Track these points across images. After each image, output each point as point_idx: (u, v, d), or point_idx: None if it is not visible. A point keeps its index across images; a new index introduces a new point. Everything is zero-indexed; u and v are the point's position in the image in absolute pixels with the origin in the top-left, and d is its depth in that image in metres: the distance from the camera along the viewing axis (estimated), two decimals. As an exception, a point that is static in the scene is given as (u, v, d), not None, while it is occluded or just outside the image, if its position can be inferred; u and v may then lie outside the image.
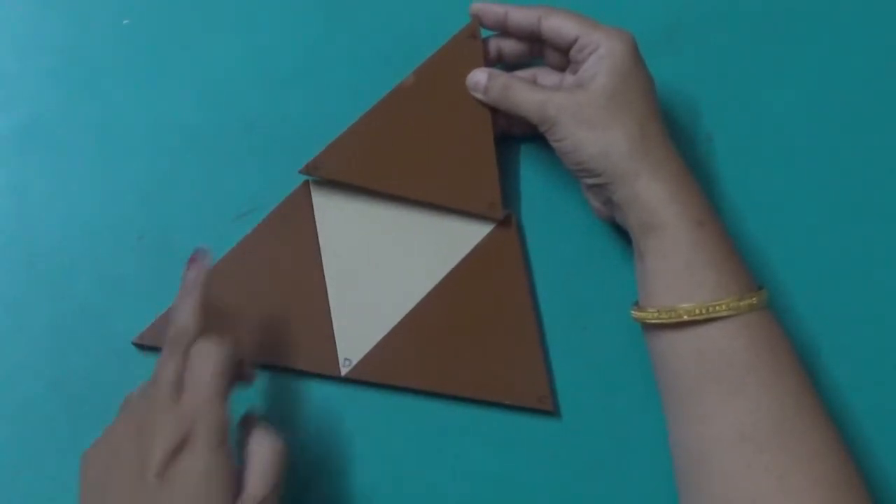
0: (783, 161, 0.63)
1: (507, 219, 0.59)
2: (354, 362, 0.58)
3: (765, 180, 0.62)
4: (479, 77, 0.58)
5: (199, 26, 0.64)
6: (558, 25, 0.56)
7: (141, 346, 0.58)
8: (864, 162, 0.63)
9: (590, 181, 0.55)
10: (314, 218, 0.59)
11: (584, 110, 0.53)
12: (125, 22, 0.64)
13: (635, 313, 0.53)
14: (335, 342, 0.58)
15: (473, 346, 0.58)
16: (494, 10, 0.58)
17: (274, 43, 0.64)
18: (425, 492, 0.57)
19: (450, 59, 0.59)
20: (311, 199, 0.59)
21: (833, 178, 0.62)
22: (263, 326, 0.58)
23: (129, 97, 0.62)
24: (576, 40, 0.55)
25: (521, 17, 0.57)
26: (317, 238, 0.59)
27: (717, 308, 0.50)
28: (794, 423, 0.48)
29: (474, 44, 0.60)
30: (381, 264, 0.59)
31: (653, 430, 0.56)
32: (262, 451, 0.47)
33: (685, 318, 0.50)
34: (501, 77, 0.57)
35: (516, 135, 0.61)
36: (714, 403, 0.50)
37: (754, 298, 0.50)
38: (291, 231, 0.59)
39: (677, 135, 0.63)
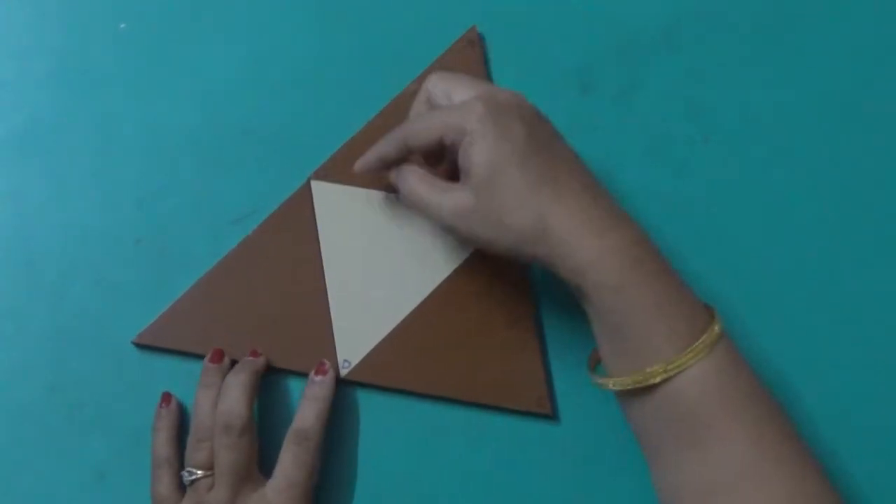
0: (779, 163, 0.63)
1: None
2: (353, 364, 0.58)
3: (761, 182, 0.62)
4: (392, 177, 0.55)
5: (196, 30, 0.64)
6: (421, 139, 0.52)
7: (140, 346, 0.58)
8: (862, 163, 0.63)
9: (520, 260, 0.53)
10: (315, 220, 0.59)
11: (475, 211, 0.50)
12: (122, 26, 0.64)
13: (593, 378, 0.52)
14: (334, 344, 0.58)
15: (473, 348, 0.58)
16: (370, 160, 0.55)
17: (271, 47, 0.64)
18: (423, 494, 0.58)
19: (450, 66, 0.60)
20: (312, 201, 0.60)
21: (830, 179, 0.62)
22: (263, 327, 0.58)
23: (126, 102, 0.62)
24: (442, 139, 0.51)
25: (390, 149, 0.54)
26: (318, 240, 0.59)
27: (651, 374, 0.48)
28: (757, 470, 0.47)
29: (473, 50, 0.60)
30: (381, 267, 0.59)
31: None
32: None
33: (615, 388, 0.50)
34: (407, 176, 0.54)
35: None
36: (677, 458, 0.49)
37: (699, 345, 0.48)
38: (292, 232, 0.59)
39: (672, 136, 0.63)
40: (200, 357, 0.57)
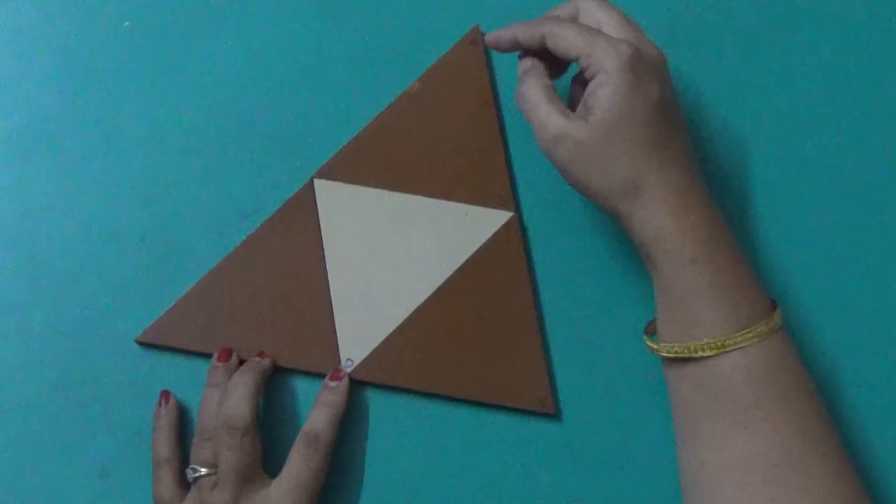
0: (786, 161, 0.63)
1: (511, 220, 0.59)
2: (356, 363, 0.58)
3: (768, 181, 0.62)
4: (523, 65, 0.56)
5: (200, 28, 0.64)
6: (559, 46, 0.53)
7: (144, 345, 0.58)
8: (871, 161, 0.62)
9: (600, 207, 0.54)
10: (318, 218, 0.59)
11: (583, 147, 0.51)
12: (126, 24, 0.64)
13: (645, 339, 0.54)
14: (337, 342, 0.58)
15: (475, 347, 0.58)
16: (504, 37, 0.56)
17: (275, 45, 0.64)
18: (425, 493, 0.58)
19: (453, 65, 0.60)
20: (315, 199, 0.60)
21: (838, 177, 0.62)
22: (266, 326, 0.58)
23: (130, 99, 0.62)
24: (578, 59, 0.52)
25: (527, 37, 0.55)
26: (320, 238, 0.59)
27: (709, 345, 0.49)
28: (800, 458, 0.48)
29: (476, 49, 0.61)
30: (384, 265, 0.59)
31: (654, 432, 0.56)
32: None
33: (666, 354, 0.51)
34: (526, 65, 0.55)
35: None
36: (717, 435, 0.50)
37: (757, 329, 0.50)
38: (295, 231, 0.59)
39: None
40: (204, 355, 0.57)
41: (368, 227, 0.60)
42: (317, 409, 0.56)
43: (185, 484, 0.55)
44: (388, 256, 0.59)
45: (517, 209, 0.60)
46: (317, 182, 0.60)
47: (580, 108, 0.53)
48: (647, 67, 0.52)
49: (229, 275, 0.58)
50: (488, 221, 0.60)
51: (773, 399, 0.49)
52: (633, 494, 0.57)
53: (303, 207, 0.60)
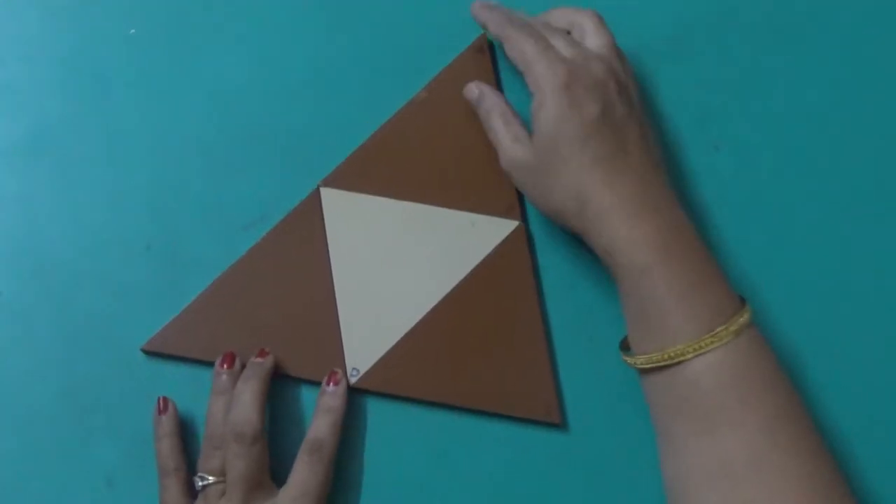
0: (791, 170, 0.63)
1: (517, 230, 0.59)
2: (362, 372, 0.58)
3: (772, 189, 0.62)
4: (472, 92, 0.59)
5: (206, 35, 0.64)
6: (510, 55, 0.56)
7: (149, 353, 0.58)
8: (873, 170, 0.63)
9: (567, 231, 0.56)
10: (325, 226, 0.59)
11: (533, 170, 0.54)
12: (132, 31, 0.64)
13: (622, 356, 0.54)
14: (343, 351, 0.58)
15: (481, 357, 0.58)
16: (480, 17, 0.60)
17: (282, 52, 0.64)
18: (430, 502, 0.57)
19: (460, 74, 0.60)
20: (321, 207, 0.60)
21: (841, 186, 0.62)
22: (272, 335, 0.58)
23: (136, 106, 0.62)
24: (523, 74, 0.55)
25: (495, 33, 0.58)
26: (327, 247, 0.59)
27: (671, 354, 0.49)
28: (772, 457, 0.48)
29: (483, 57, 0.61)
30: (390, 274, 0.59)
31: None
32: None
33: (636, 366, 0.52)
34: (487, 100, 0.58)
35: None
36: (687, 440, 0.50)
37: (718, 333, 0.49)
38: (301, 239, 0.59)
39: (683, 144, 0.63)
40: (210, 364, 0.57)
41: (375, 235, 0.59)
42: (318, 416, 0.56)
43: (192, 492, 0.54)
44: (395, 265, 0.59)
45: (524, 218, 0.60)
46: (323, 190, 0.60)
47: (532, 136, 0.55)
48: (586, 85, 0.53)
49: (235, 283, 0.58)
50: (494, 230, 0.59)
51: (741, 402, 0.49)
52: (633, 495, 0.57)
53: (309, 216, 0.59)
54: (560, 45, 0.55)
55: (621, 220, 0.51)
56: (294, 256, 0.59)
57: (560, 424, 0.58)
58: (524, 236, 0.60)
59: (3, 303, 0.59)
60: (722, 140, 0.63)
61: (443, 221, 0.60)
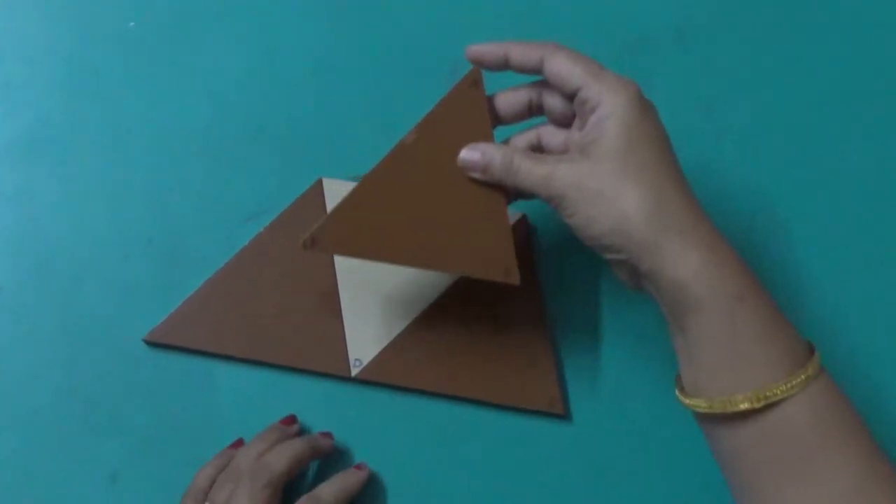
0: (793, 159, 0.62)
1: (519, 223, 0.59)
2: (364, 363, 0.58)
3: (775, 180, 0.62)
4: (472, 156, 0.51)
5: (205, 29, 0.64)
6: (561, 70, 0.49)
7: (151, 344, 0.58)
8: (878, 159, 0.62)
9: (609, 256, 0.49)
10: (326, 217, 0.59)
11: (590, 182, 0.47)
12: (131, 25, 0.64)
13: (683, 399, 0.48)
14: (346, 343, 0.58)
15: (484, 348, 0.58)
16: (494, 51, 0.51)
17: (282, 45, 0.63)
18: (434, 493, 0.57)
19: (452, 112, 0.53)
20: (323, 198, 0.59)
21: (845, 176, 0.62)
22: (274, 325, 0.58)
23: (136, 101, 0.62)
24: (577, 90, 0.49)
25: (522, 56, 0.50)
26: (328, 238, 0.59)
27: (774, 392, 0.45)
28: (871, 497, 0.45)
29: (476, 93, 0.53)
30: (393, 266, 0.59)
31: (664, 433, 0.56)
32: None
33: (741, 407, 0.45)
34: (499, 152, 0.50)
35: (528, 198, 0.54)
36: (782, 490, 0.46)
37: (809, 369, 0.45)
38: (304, 230, 0.59)
39: (687, 133, 0.63)
40: (212, 355, 0.57)
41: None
42: (332, 479, 0.55)
43: None
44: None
45: (526, 208, 0.60)
46: (325, 181, 0.60)
47: (579, 148, 0.49)
48: (652, 105, 0.50)
49: (238, 274, 0.58)
50: None
51: (835, 442, 0.46)
52: (642, 495, 0.57)
53: (311, 207, 0.59)
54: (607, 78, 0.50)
55: (708, 240, 0.46)
56: (296, 247, 0.59)
57: (564, 415, 0.58)
58: (525, 227, 0.59)
59: (5, 298, 0.59)
60: (725, 129, 0.63)
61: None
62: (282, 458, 0.53)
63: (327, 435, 0.57)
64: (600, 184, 0.47)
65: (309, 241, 0.51)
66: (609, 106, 0.48)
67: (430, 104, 0.62)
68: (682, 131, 0.62)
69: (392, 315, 0.58)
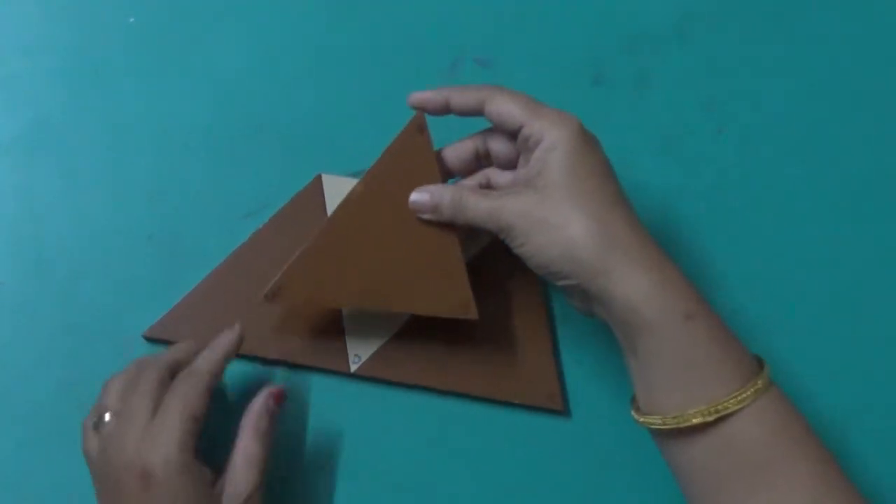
0: (793, 154, 0.63)
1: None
2: (364, 359, 0.58)
3: (774, 173, 0.62)
4: (421, 198, 0.53)
5: (206, 24, 0.64)
6: (501, 110, 0.51)
7: (151, 340, 0.58)
8: (877, 156, 0.62)
9: (560, 283, 0.50)
10: (326, 213, 0.59)
11: (537, 211, 0.49)
12: (131, 20, 0.64)
13: (638, 417, 0.50)
14: (345, 338, 0.58)
15: (483, 344, 0.58)
16: (435, 99, 0.53)
17: (282, 41, 0.64)
18: (432, 490, 0.57)
19: (399, 159, 0.54)
20: (323, 194, 0.59)
21: (845, 170, 0.62)
22: (273, 321, 0.58)
23: (136, 96, 0.62)
24: (520, 128, 0.51)
25: (463, 101, 0.53)
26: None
27: (725, 406, 0.46)
28: (829, 500, 0.46)
29: (422, 138, 0.55)
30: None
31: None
32: (247, 450, 0.50)
33: (694, 422, 0.47)
34: (448, 193, 0.53)
35: (484, 238, 0.58)
36: (745, 500, 0.47)
37: (759, 382, 0.47)
38: (303, 226, 0.59)
39: (687, 128, 0.63)
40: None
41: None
42: (205, 351, 0.53)
43: None
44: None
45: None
46: (324, 177, 0.60)
47: (524, 182, 0.51)
48: (592, 138, 0.51)
49: (238, 269, 0.58)
50: None
51: (791, 450, 0.47)
52: (641, 491, 0.57)
53: (310, 202, 0.59)
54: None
55: (653, 262, 0.48)
56: (295, 243, 0.58)
57: (563, 411, 0.58)
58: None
59: (6, 294, 0.59)
60: (725, 124, 0.63)
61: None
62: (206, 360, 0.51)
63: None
64: (547, 212, 0.49)
65: (270, 294, 0.53)
66: (551, 139, 0.50)
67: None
68: (682, 126, 0.63)
69: (391, 312, 0.58)
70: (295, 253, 0.53)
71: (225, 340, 0.53)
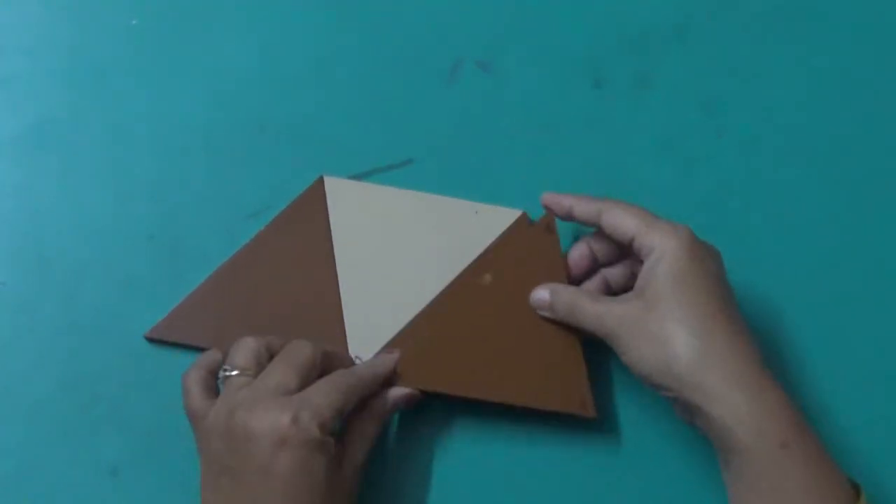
0: (793, 156, 0.63)
1: (546, 222, 0.58)
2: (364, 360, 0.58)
3: (774, 176, 0.62)
4: (542, 295, 0.55)
5: (208, 25, 0.64)
6: (616, 223, 0.53)
7: (153, 340, 0.58)
8: (877, 158, 0.63)
9: (662, 394, 0.51)
10: (328, 215, 0.59)
11: (640, 322, 0.50)
12: (133, 22, 0.64)
13: None
14: (346, 340, 0.58)
15: (507, 351, 0.56)
16: (561, 202, 0.55)
17: (284, 41, 0.64)
18: (433, 494, 0.57)
19: (528, 254, 0.57)
20: (325, 195, 0.59)
21: (845, 173, 0.62)
22: (275, 322, 0.57)
23: (138, 97, 0.62)
24: (632, 239, 0.52)
25: (583, 210, 0.54)
26: (330, 235, 0.59)
27: None
28: None
29: (551, 238, 0.57)
30: (394, 262, 0.59)
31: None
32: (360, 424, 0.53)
33: None
34: (565, 293, 0.55)
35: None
36: None
37: None
38: (305, 227, 0.59)
39: (687, 131, 0.63)
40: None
41: (379, 224, 0.59)
42: (363, 363, 0.55)
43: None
44: (398, 253, 0.59)
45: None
46: (327, 179, 0.60)
47: (633, 292, 0.52)
48: (706, 249, 0.52)
49: (239, 270, 0.58)
50: (499, 218, 0.59)
51: None
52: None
53: (312, 204, 0.59)
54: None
55: (751, 386, 0.47)
56: (297, 244, 0.59)
57: (594, 417, 0.55)
58: (553, 227, 0.58)
59: (6, 294, 0.59)
60: (725, 127, 0.63)
61: (446, 210, 0.59)
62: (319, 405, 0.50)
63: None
64: (649, 324, 0.50)
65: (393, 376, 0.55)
66: (660, 251, 0.50)
67: (431, 102, 0.63)
68: (682, 128, 0.63)
69: (393, 313, 0.58)
70: (414, 338, 0.56)
71: (388, 360, 0.55)
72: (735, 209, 0.61)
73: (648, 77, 0.63)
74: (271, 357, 0.52)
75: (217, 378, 0.53)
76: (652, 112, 0.63)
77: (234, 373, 0.51)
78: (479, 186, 0.61)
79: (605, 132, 0.63)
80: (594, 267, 0.57)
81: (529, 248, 0.58)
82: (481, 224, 0.59)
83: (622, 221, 0.52)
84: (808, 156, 0.63)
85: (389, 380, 0.55)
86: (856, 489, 0.48)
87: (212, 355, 0.54)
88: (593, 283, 0.57)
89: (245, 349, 0.52)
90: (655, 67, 0.63)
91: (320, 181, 0.60)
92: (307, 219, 0.59)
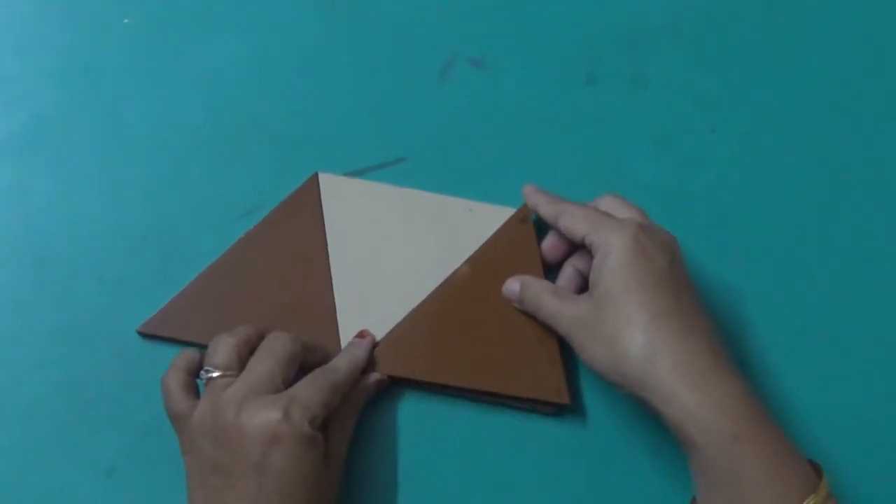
0: (787, 153, 0.63)
1: (522, 214, 0.59)
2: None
3: (768, 172, 0.62)
4: (513, 287, 0.56)
5: (200, 24, 0.64)
6: (568, 225, 0.54)
7: (145, 336, 0.58)
8: (871, 154, 0.63)
9: (620, 391, 0.50)
10: (322, 211, 0.59)
11: (591, 323, 0.50)
12: (125, 21, 0.64)
13: None
14: (339, 335, 0.58)
15: (483, 338, 0.57)
16: (530, 197, 0.58)
17: (277, 40, 0.64)
18: (429, 487, 0.57)
19: (503, 245, 0.58)
20: (319, 192, 0.60)
21: (839, 169, 0.62)
22: (269, 318, 0.57)
23: (131, 96, 0.62)
24: (583, 239, 0.53)
25: (544, 211, 0.56)
26: (324, 231, 0.59)
27: None
28: None
29: (526, 228, 0.59)
30: (388, 259, 0.59)
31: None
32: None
33: None
34: (533, 287, 0.55)
35: None
36: None
37: (812, 501, 0.46)
38: (299, 224, 0.59)
39: (680, 127, 0.63)
40: (206, 347, 0.57)
41: (372, 220, 0.59)
42: (339, 356, 0.55)
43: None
44: (392, 250, 0.59)
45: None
46: (321, 176, 0.60)
47: (589, 289, 0.52)
48: (654, 241, 0.51)
49: (233, 266, 0.58)
50: (492, 216, 0.59)
51: None
52: (649, 486, 0.57)
53: (307, 200, 0.59)
54: (626, 213, 0.54)
55: (701, 381, 0.47)
56: (291, 240, 0.59)
57: (569, 404, 0.56)
58: (529, 218, 0.59)
59: (0, 294, 0.59)
60: (718, 122, 0.63)
61: (440, 207, 0.60)
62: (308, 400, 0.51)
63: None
64: (600, 324, 0.50)
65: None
66: (606, 248, 0.51)
67: (424, 99, 0.63)
68: (676, 125, 0.63)
69: (386, 309, 0.58)
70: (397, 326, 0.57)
71: (360, 351, 0.56)
72: (728, 206, 0.62)
73: (642, 74, 0.63)
74: (251, 351, 0.52)
75: (197, 378, 0.53)
76: (645, 109, 0.63)
77: (216, 374, 0.51)
78: (472, 184, 0.61)
79: (598, 130, 0.63)
80: (572, 252, 0.57)
81: (506, 238, 0.59)
82: (475, 222, 0.59)
83: (573, 223, 0.53)
84: (801, 153, 0.63)
85: (366, 367, 0.56)
86: (818, 473, 0.48)
87: (189, 355, 0.54)
88: (564, 277, 0.57)
89: (225, 347, 0.52)
90: (649, 65, 0.63)
91: (315, 177, 0.60)
92: (301, 214, 0.59)
